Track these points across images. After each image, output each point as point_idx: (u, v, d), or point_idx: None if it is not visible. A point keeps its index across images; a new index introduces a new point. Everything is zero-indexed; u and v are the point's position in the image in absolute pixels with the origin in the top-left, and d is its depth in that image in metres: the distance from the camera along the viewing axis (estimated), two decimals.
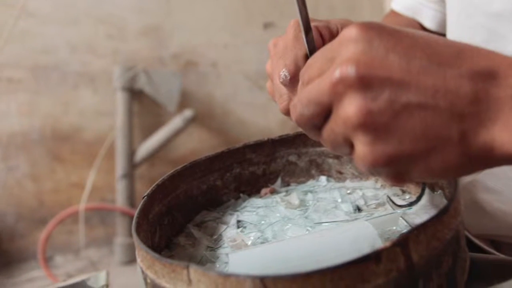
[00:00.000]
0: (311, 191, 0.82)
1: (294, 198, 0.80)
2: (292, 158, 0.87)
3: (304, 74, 0.54)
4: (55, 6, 2.24)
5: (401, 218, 0.69)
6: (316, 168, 0.87)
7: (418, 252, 0.52)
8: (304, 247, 0.67)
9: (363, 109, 0.47)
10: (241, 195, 0.86)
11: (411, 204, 0.72)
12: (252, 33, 2.30)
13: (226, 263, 0.69)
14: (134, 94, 2.30)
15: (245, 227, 0.76)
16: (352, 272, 0.50)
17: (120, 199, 2.29)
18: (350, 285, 0.50)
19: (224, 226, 0.77)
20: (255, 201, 0.83)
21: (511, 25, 0.74)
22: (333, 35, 0.70)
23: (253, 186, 0.86)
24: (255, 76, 2.32)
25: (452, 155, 0.47)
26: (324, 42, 0.66)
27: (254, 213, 0.79)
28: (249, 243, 0.72)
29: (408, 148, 0.47)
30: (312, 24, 0.64)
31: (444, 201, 0.70)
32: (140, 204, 0.70)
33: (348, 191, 0.81)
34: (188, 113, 2.26)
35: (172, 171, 0.78)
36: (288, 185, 0.87)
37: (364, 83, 0.47)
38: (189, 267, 0.54)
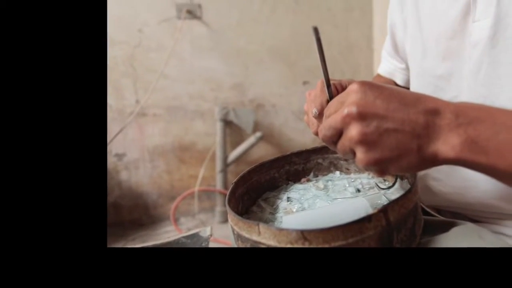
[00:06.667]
0: (330, 180, 0.82)
1: (321, 184, 0.80)
2: (319, 160, 0.86)
3: (326, 111, 0.55)
4: (181, 72, 2.27)
5: (383, 196, 0.69)
6: (333, 166, 0.86)
7: (393, 216, 0.53)
8: (326, 213, 0.67)
9: (361, 132, 0.47)
10: (289, 182, 0.85)
11: (389, 188, 0.72)
12: (296, 87, 2.29)
13: (281, 222, 0.69)
14: (227, 123, 2.31)
15: (292, 201, 0.76)
16: (355, 227, 0.51)
17: (218, 185, 2.30)
18: (354, 235, 0.51)
19: (280, 200, 0.77)
20: (298, 186, 0.82)
21: (447, 82, 0.73)
22: (343, 88, 0.70)
23: (296, 177, 0.86)
24: (298, 112, 2.31)
25: (413, 159, 0.47)
26: (338, 93, 0.67)
27: (297, 193, 0.79)
28: (294, 210, 0.73)
29: (387, 155, 0.47)
30: (331, 82, 0.65)
31: (408, 186, 0.70)
32: (230, 187, 0.71)
33: (352, 180, 0.80)
34: (258, 134, 2.26)
35: (248, 168, 0.79)
36: (317, 176, 0.86)
37: (361, 116, 0.47)
38: (259, 224, 0.55)
